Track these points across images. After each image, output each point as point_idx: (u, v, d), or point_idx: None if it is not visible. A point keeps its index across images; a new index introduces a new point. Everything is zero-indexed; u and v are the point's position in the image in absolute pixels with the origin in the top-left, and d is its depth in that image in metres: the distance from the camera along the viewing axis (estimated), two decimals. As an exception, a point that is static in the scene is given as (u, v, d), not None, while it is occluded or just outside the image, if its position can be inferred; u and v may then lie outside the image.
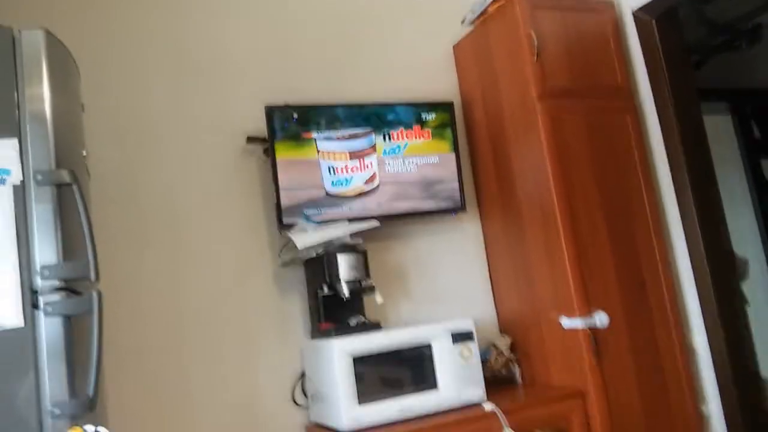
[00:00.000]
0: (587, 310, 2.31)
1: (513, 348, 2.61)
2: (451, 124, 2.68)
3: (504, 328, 2.72)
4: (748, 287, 3.83)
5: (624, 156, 2.55)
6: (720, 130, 4.04)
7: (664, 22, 2.57)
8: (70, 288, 1.54)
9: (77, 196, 1.55)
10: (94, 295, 1.53)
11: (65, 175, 1.55)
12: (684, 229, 2.53)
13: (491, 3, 2.61)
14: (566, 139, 2.44)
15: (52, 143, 1.56)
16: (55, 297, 1.48)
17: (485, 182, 2.80)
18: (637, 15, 2.63)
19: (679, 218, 2.54)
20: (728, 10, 2.66)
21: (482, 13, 2.67)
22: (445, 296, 2.70)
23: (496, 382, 2.49)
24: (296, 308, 2.46)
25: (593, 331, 2.30)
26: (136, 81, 2.41)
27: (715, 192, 2.57)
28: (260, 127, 2.43)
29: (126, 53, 2.41)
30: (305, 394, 2.37)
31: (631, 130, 2.58)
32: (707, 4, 2.39)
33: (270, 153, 2.39)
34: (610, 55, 2.62)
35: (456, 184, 2.64)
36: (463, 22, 2.78)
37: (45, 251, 1.48)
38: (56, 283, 1.50)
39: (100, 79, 2.32)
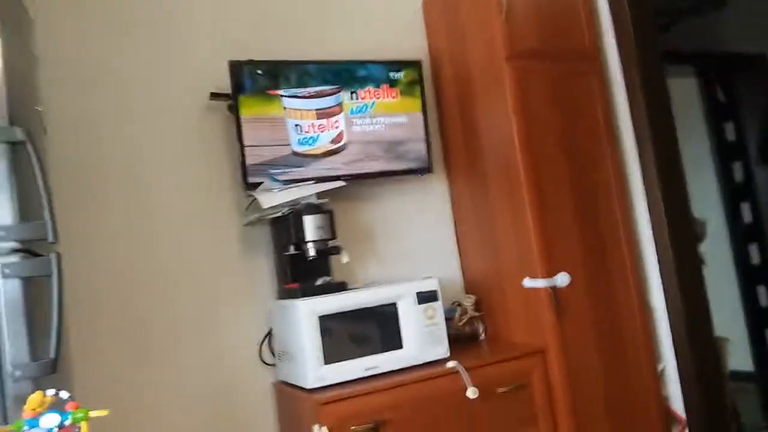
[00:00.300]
0: (549, 271, 2.35)
1: (478, 307, 2.65)
2: (419, 83, 2.66)
3: (469, 288, 2.76)
4: (706, 247, 3.96)
5: (589, 119, 2.56)
6: (685, 92, 4.09)
7: (633, -16, 2.57)
8: (28, 249, 1.51)
9: (32, 154, 1.51)
10: (53, 257, 1.50)
11: (19, 133, 1.49)
12: (645, 193, 2.57)
13: (461, -41, 2.56)
14: (532, 101, 2.44)
15: (3, 98, 1.50)
16: (13, 259, 1.45)
17: (453, 143, 2.80)
18: (606, -26, 2.62)
19: (642, 182, 2.58)
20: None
21: (452, -30, 2.63)
22: (413, 256, 2.73)
23: (460, 340, 2.54)
24: (263, 268, 2.45)
25: (554, 291, 2.34)
26: (94, 32, 2.32)
27: (677, 157, 2.61)
28: (225, 83, 2.37)
29: (82, 17, 2.32)
30: (273, 353, 2.38)
31: (597, 94, 2.59)
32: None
33: (234, 110, 2.34)
34: (579, 17, 2.61)
35: (423, 145, 2.63)
36: (432, -22, 2.73)
37: (0, 212, 1.44)
38: (13, 244, 1.46)
39: (56, 28, 2.24)
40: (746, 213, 3.85)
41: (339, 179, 2.42)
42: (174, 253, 2.33)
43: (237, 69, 2.34)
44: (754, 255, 3.83)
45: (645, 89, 2.55)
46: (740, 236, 3.81)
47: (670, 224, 2.50)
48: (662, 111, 2.58)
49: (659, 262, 2.54)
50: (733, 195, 3.84)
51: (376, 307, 2.22)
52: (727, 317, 3.78)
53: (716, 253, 3.84)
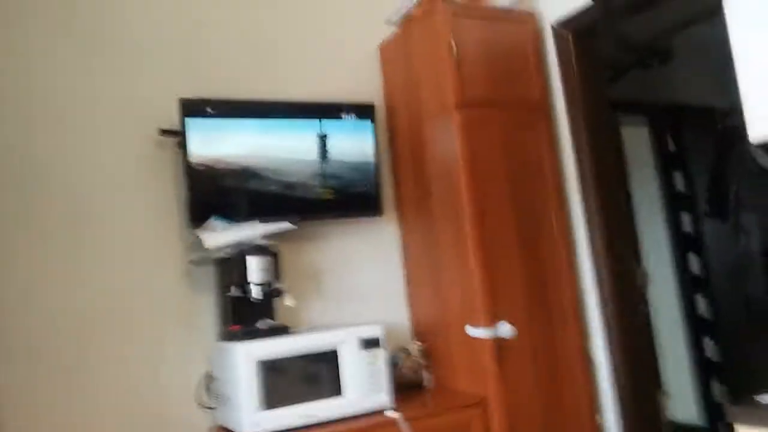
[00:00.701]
0: (492, 320, 2.35)
1: (425, 353, 2.63)
2: (372, 126, 2.67)
3: (417, 334, 2.74)
4: (655, 295, 4.03)
5: (537, 168, 2.60)
6: (638, 142, 4.20)
7: (582, 38, 2.63)
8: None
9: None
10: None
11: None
12: (590, 242, 2.60)
13: (415, 5, 2.61)
14: (480, 148, 2.47)
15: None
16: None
17: (404, 186, 2.81)
18: (555, 28, 2.68)
19: (586, 231, 2.60)
20: (642, 30, 2.73)
21: (406, 15, 2.67)
22: (361, 300, 2.70)
23: (406, 387, 2.50)
24: (207, 308, 2.40)
25: (496, 341, 2.34)
26: (40, 56, 2.28)
27: (621, 207, 2.65)
28: (176, 120, 2.35)
29: (31, 25, 2.29)
30: (210, 396, 2.32)
31: (545, 142, 2.63)
32: (621, 24, 2.44)
33: (182, 147, 2.32)
34: (529, 67, 2.66)
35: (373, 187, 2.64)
36: (388, 22, 2.76)
37: None
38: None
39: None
40: (694, 264, 3.93)
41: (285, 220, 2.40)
42: (116, 290, 2.27)
43: (186, 106, 2.33)
44: (701, 306, 3.89)
45: (591, 138, 2.59)
46: (688, 286, 3.88)
47: (613, 276, 2.52)
48: (608, 162, 2.62)
49: (602, 313, 2.55)
50: (681, 245, 3.92)
51: (317, 352, 2.18)
52: (674, 367, 3.83)
53: (664, 303, 3.90)
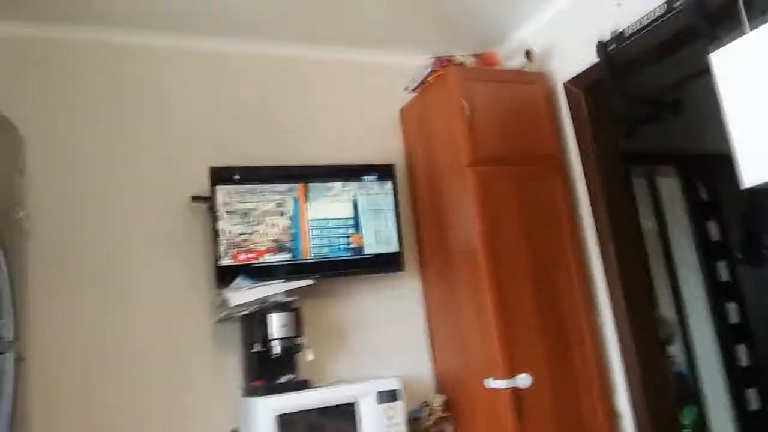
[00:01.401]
0: (511, 372, 2.38)
1: (447, 407, 2.66)
2: (393, 185, 2.79)
3: (439, 386, 2.78)
4: (696, 345, 3.93)
5: (553, 221, 2.66)
6: (671, 191, 4.18)
7: (592, 94, 2.71)
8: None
9: (2, 261, 1.64)
10: (11, 355, 1.61)
11: (-9, 242, 1.64)
12: (609, 295, 2.61)
13: (430, 73, 2.75)
14: (496, 204, 2.55)
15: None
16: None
17: (426, 241, 2.90)
18: (567, 87, 2.78)
19: (605, 283, 2.63)
20: (649, 85, 2.80)
21: (423, 82, 2.81)
22: (383, 354, 2.76)
23: (428, 440, 2.54)
24: (233, 365, 2.51)
25: (516, 393, 2.36)
26: (81, 142, 2.51)
27: (640, 257, 2.67)
28: (206, 187, 2.53)
29: (73, 116, 2.52)
30: (237, 451, 2.41)
31: (560, 197, 2.69)
32: (627, 79, 2.51)
33: (211, 212, 2.49)
34: (542, 124, 2.75)
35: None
36: (406, 89, 2.92)
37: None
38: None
39: (46, 141, 2.43)
40: (732, 313, 3.84)
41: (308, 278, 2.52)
42: (147, 349, 2.41)
43: (216, 174, 2.51)
44: (743, 356, 3.78)
45: (606, 191, 2.64)
46: (727, 335, 3.78)
47: (634, 327, 2.52)
48: (624, 213, 2.66)
49: (624, 366, 2.54)
50: (718, 294, 3.84)
51: (336, 405, 2.26)
52: (717, 417, 3.70)
53: (704, 350, 3.81)
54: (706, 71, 1.86)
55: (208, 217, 2.52)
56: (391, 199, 2.78)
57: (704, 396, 3.80)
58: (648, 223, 4.16)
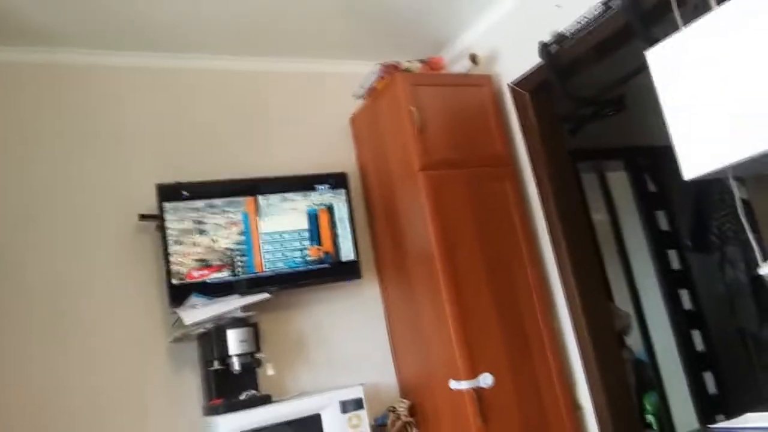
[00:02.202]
0: (473, 372, 2.40)
1: (412, 411, 2.67)
2: (346, 193, 2.79)
3: (404, 392, 2.78)
4: (654, 332, 4.03)
5: (506, 221, 2.69)
6: (621, 184, 4.28)
7: (538, 95, 2.76)
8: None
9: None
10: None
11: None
12: (564, 291, 2.66)
13: (378, 79, 2.76)
14: (448, 207, 2.57)
15: None
16: None
17: (382, 248, 2.90)
18: (512, 88, 2.82)
19: (560, 279, 2.67)
20: (593, 83, 2.86)
21: (370, 89, 2.82)
22: (346, 362, 2.75)
23: (395, 447, 2.54)
24: (191, 384, 2.47)
25: (479, 393, 2.38)
26: (24, 165, 2.44)
27: (591, 252, 2.72)
28: (154, 205, 2.47)
29: (12, 137, 2.45)
30: (199, 472, 2.37)
31: (511, 196, 2.73)
32: (569, 80, 2.56)
33: (161, 230, 2.44)
34: (491, 125, 2.79)
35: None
36: (353, 96, 2.91)
37: None
38: None
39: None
40: (685, 299, 3.95)
41: (263, 291, 2.49)
42: (101, 372, 2.35)
43: (164, 191, 2.46)
44: (698, 341, 3.89)
45: (555, 188, 2.69)
46: (682, 323, 3.88)
47: (589, 320, 2.56)
48: (573, 208, 2.71)
49: (582, 358, 2.59)
50: (670, 282, 3.94)
51: (299, 419, 2.24)
52: (678, 402, 3.80)
53: (661, 340, 3.91)
54: (646, 68, 1.91)
55: (158, 236, 2.47)
56: (345, 207, 2.77)
57: (664, 382, 3.90)
58: (600, 217, 4.26)
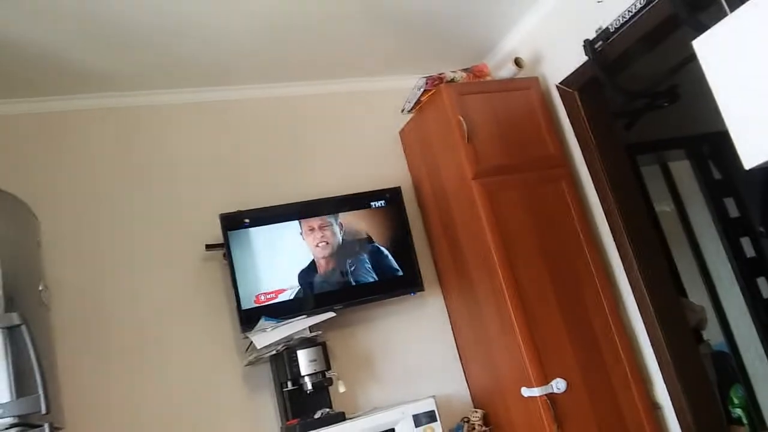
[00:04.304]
0: (544, 378, 2.38)
1: (487, 420, 2.66)
2: (400, 207, 2.82)
3: (476, 402, 2.77)
4: (734, 325, 3.88)
5: (564, 221, 2.65)
6: (685, 174, 4.15)
7: (587, 92, 2.72)
8: (25, 423, 1.66)
9: (26, 336, 1.69)
10: (46, 427, 1.65)
11: (15, 318, 1.69)
12: (631, 287, 2.60)
13: (423, 93, 2.78)
14: (504, 213, 2.56)
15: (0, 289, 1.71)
16: (11, 432, 1.61)
17: (442, 259, 2.91)
18: (560, 88, 2.79)
19: (625, 276, 2.61)
20: (644, 76, 2.80)
21: (417, 102, 2.84)
22: (415, 375, 2.77)
23: (472, 457, 2.53)
24: (268, 405, 2.54)
25: (552, 398, 2.35)
26: (91, 209, 2.58)
27: (656, 245, 2.65)
28: (219, 234, 2.57)
29: (79, 184, 2.59)
30: (281, 491, 2.42)
31: (567, 196, 2.69)
32: (618, 75, 2.52)
33: (228, 258, 2.53)
34: (540, 128, 2.76)
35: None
36: (402, 111, 2.95)
37: (-1, 390, 1.62)
38: (10, 420, 1.62)
39: (56, 212, 2.49)
40: (764, 287, 3.79)
41: (329, 311, 2.54)
42: (180, 399, 2.45)
43: (227, 220, 2.55)
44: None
45: (612, 184, 2.64)
46: (762, 312, 3.73)
47: (660, 315, 2.50)
48: (633, 202, 2.65)
49: (656, 356, 2.52)
50: (746, 270, 3.79)
51: (374, 434, 2.27)
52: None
53: (742, 333, 3.76)
54: (695, 56, 1.86)
55: (225, 264, 2.56)
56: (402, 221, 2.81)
57: (749, 374, 3.74)
58: (666, 208, 4.14)
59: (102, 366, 2.40)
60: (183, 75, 2.71)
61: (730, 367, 3.72)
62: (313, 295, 2.58)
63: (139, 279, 2.55)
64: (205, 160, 2.79)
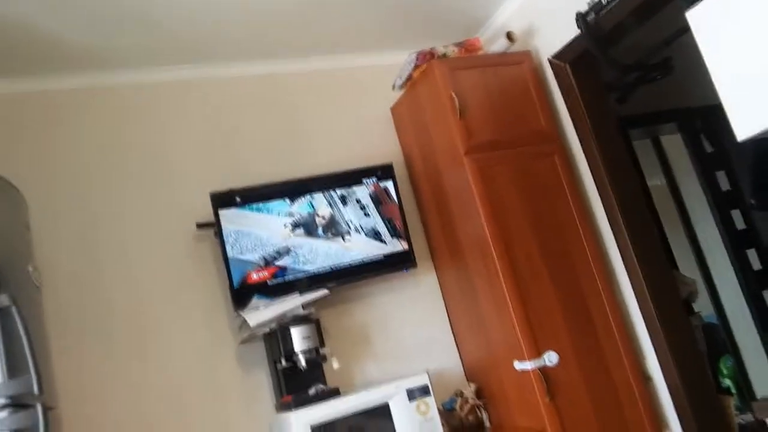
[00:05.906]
0: (536, 352, 2.39)
1: (480, 394, 2.68)
2: (393, 184, 2.81)
3: (470, 376, 2.79)
4: (724, 297, 3.91)
5: (558, 196, 2.65)
6: (676, 148, 4.15)
7: (579, 66, 2.70)
8: (17, 403, 1.65)
9: (16, 317, 1.67)
10: (39, 407, 1.64)
11: (4, 299, 1.68)
12: (623, 260, 2.61)
13: (414, 68, 2.76)
14: (497, 189, 2.56)
15: (-12, 270, 1.69)
16: (2, 414, 1.60)
17: (434, 235, 2.91)
18: (552, 61, 2.77)
19: (617, 249, 2.62)
20: (636, 48, 2.78)
21: (408, 78, 2.82)
22: (409, 351, 2.78)
23: (464, 429, 2.56)
24: (263, 383, 2.55)
25: (545, 371, 2.37)
26: (82, 186, 2.55)
27: (648, 219, 2.66)
28: (211, 213, 2.55)
29: (69, 164, 2.56)
30: (276, 467, 2.44)
31: (560, 170, 2.69)
32: (610, 48, 2.50)
33: (219, 237, 2.51)
34: (533, 102, 2.75)
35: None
36: (393, 87, 2.92)
37: (-10, 371, 1.61)
38: (2, 400, 1.61)
39: (46, 193, 2.47)
40: (754, 259, 3.82)
41: (323, 288, 2.54)
42: (178, 379, 2.45)
43: (217, 199, 2.53)
44: (770, 300, 3.76)
45: (604, 159, 2.63)
46: (752, 283, 3.76)
47: (651, 288, 2.51)
48: (625, 177, 2.65)
49: (648, 329, 2.54)
50: (736, 242, 3.81)
51: (368, 410, 2.28)
52: (757, 364, 3.69)
53: (732, 305, 3.80)
54: (690, 28, 1.85)
55: (217, 243, 2.55)
56: (394, 197, 2.79)
57: (739, 345, 3.79)
58: (657, 182, 4.15)
59: (96, 346, 2.39)
60: (170, 52, 2.67)
61: (720, 339, 3.77)
62: (307, 275, 2.57)
63: (131, 259, 2.53)
64: (195, 138, 2.76)
